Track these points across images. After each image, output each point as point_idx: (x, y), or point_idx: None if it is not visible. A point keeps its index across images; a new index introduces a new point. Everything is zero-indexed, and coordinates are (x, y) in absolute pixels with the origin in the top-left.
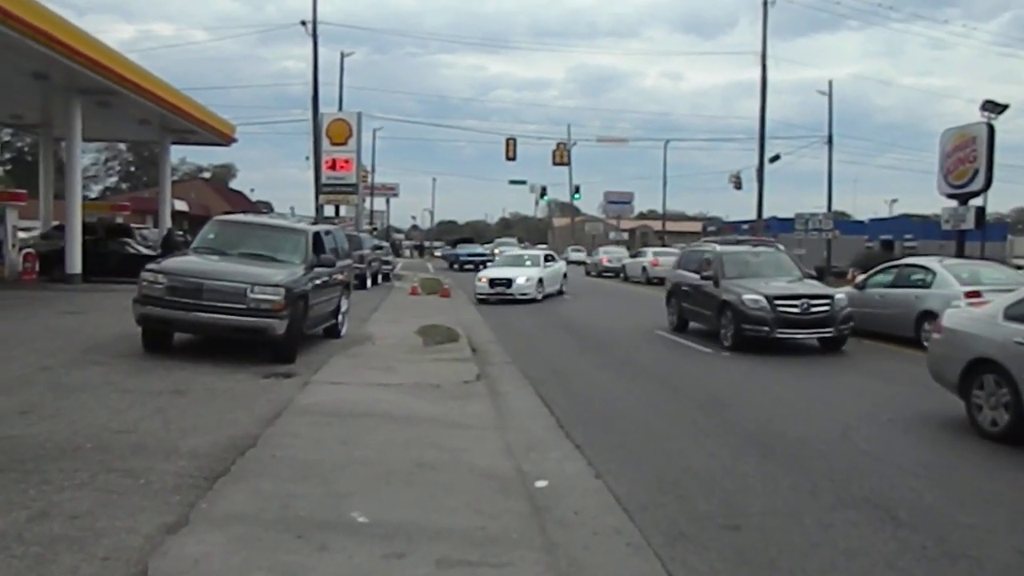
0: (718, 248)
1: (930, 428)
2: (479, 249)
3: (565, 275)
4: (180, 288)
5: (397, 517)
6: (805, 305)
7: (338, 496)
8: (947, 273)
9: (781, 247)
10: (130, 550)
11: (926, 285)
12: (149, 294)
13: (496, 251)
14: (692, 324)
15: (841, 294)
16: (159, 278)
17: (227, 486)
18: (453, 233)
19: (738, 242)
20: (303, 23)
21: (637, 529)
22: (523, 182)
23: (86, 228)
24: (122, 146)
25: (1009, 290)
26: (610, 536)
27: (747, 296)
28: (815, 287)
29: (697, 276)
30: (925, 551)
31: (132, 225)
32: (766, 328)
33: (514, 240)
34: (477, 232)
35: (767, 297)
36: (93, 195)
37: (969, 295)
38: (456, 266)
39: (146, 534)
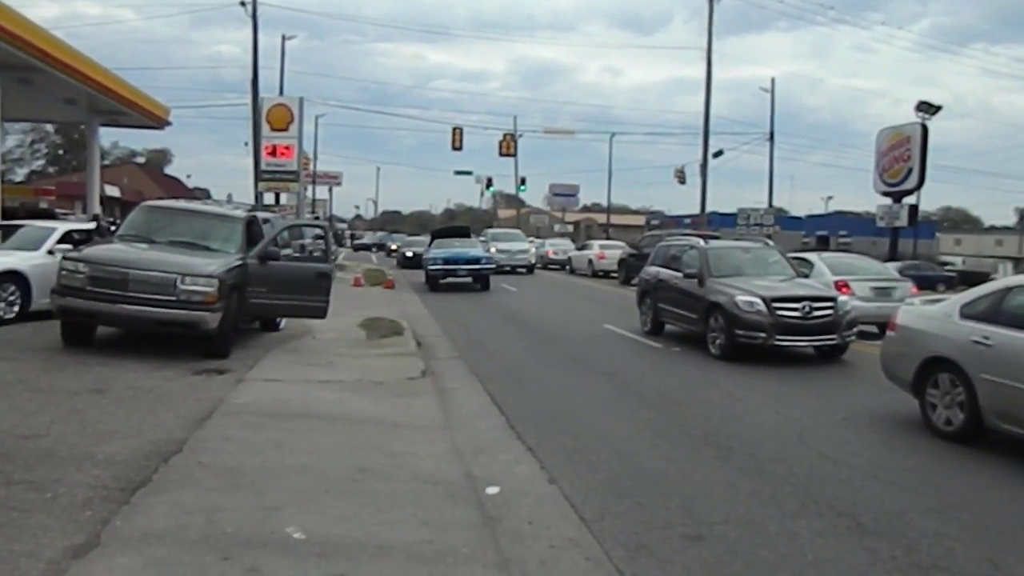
0: (702, 242)
1: (884, 427)
2: (475, 251)
3: None
4: (103, 278)
5: (336, 532)
6: (807, 308)
7: (271, 509)
8: (822, 264)
9: (770, 242)
10: None
11: (806, 276)
12: (69, 284)
13: (493, 249)
14: (669, 327)
15: (844, 296)
16: (80, 267)
17: (146, 499)
18: (396, 224)
19: (710, 237)
20: (242, 3)
21: (596, 540)
22: (469, 173)
23: (6, 213)
24: (50, 128)
25: (878, 280)
26: (568, 549)
27: (741, 298)
28: (814, 287)
29: (677, 274)
30: (895, 561)
31: (58, 211)
32: (763, 334)
33: (516, 231)
34: (422, 224)
35: (764, 299)
36: (19, 179)
37: (838, 284)
38: (431, 280)
39: (48, 559)
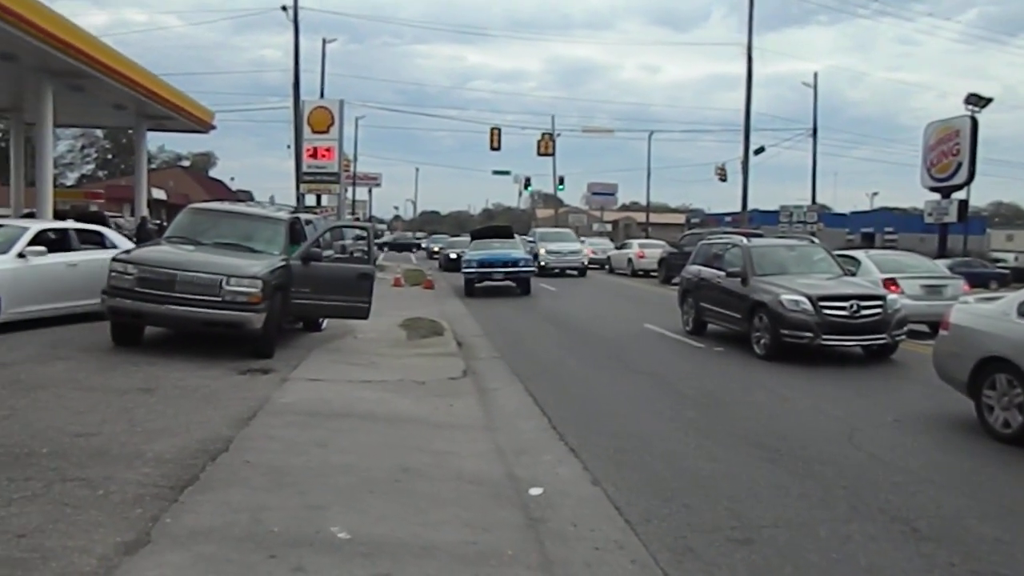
0: (745, 240)
1: (938, 429)
2: (514, 252)
3: None
4: (151, 279)
5: (380, 531)
6: (854, 307)
7: (316, 508)
8: (869, 262)
9: (816, 239)
10: (81, 575)
11: (852, 274)
12: (118, 285)
13: (542, 251)
14: (712, 327)
15: (893, 295)
16: (129, 268)
17: (194, 497)
18: (435, 224)
19: (752, 234)
20: (284, 8)
21: (641, 543)
22: (507, 172)
23: (58, 216)
24: (99, 133)
25: (928, 278)
26: (612, 551)
27: (786, 297)
28: (862, 286)
29: (719, 272)
30: (953, 568)
31: (107, 213)
32: (809, 334)
33: (567, 231)
34: (460, 224)
35: (810, 298)
36: (69, 183)
37: (886, 282)
38: (467, 285)
39: (101, 555)
